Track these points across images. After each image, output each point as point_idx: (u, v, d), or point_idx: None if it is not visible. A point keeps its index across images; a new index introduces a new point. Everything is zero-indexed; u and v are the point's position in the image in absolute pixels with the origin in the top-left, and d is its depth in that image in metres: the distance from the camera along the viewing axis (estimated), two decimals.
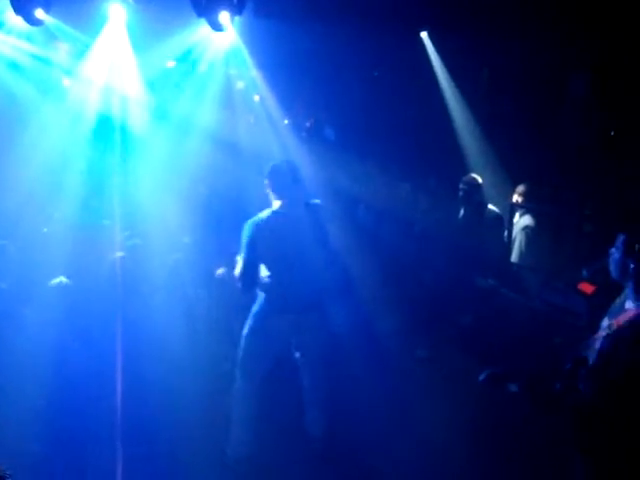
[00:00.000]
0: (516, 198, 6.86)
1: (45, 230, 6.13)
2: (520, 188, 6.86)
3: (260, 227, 4.78)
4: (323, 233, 4.93)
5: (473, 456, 4.84)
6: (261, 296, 4.89)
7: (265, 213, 4.86)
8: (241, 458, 4.85)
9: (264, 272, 4.85)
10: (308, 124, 7.94)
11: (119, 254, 5.55)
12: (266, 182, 4.92)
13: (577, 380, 3.67)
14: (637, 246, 3.45)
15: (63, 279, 5.32)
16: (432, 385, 5.67)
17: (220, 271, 5.86)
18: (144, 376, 4.96)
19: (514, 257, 6.70)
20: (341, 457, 4.95)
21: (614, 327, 3.45)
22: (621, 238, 3.54)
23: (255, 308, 4.91)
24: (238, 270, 4.81)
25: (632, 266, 3.44)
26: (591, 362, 3.57)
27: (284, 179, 4.85)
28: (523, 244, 6.67)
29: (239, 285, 4.86)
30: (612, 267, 3.58)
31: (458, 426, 5.07)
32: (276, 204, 4.87)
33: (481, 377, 3.76)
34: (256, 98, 7.86)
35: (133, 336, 5.12)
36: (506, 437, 5.01)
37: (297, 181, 4.90)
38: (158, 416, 4.88)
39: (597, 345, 3.53)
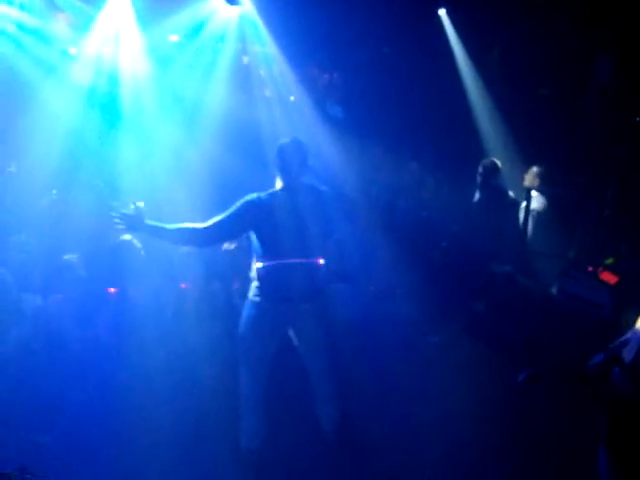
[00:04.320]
0: (528, 180, 6.72)
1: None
2: (532, 170, 6.71)
3: (257, 205, 4.50)
4: (328, 222, 4.66)
5: (487, 443, 4.78)
6: (254, 284, 4.64)
7: (266, 193, 4.60)
8: (253, 450, 4.69)
9: (257, 260, 4.61)
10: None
11: (126, 237, 5.39)
12: (272, 160, 4.68)
13: (610, 377, 3.59)
14: None
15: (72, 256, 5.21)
16: (445, 371, 5.57)
17: (226, 245, 5.64)
18: (149, 366, 4.85)
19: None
20: (354, 448, 4.83)
21: None
22: None
23: (249, 297, 4.67)
24: (207, 223, 4.49)
25: None
26: (628, 360, 3.47)
27: (291, 160, 4.57)
28: (530, 228, 6.56)
29: (199, 235, 4.51)
30: None
31: (471, 413, 4.98)
32: (279, 185, 4.63)
33: (520, 378, 3.73)
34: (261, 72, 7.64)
35: (137, 323, 4.99)
36: (521, 425, 4.95)
37: (305, 164, 4.64)
38: (165, 406, 4.78)
39: (635, 343, 3.44)
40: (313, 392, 4.87)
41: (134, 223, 4.43)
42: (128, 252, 5.29)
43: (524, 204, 6.48)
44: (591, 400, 3.93)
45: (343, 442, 4.87)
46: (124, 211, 4.42)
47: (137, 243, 5.33)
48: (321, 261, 4.63)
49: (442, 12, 7.56)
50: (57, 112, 6.58)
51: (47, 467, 4.23)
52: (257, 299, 4.62)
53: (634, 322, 3.61)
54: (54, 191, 6.03)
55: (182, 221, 4.62)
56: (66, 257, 5.29)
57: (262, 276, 4.59)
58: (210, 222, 4.51)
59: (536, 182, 6.65)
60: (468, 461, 4.65)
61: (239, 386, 4.73)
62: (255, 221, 4.52)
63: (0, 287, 4.96)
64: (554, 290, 5.67)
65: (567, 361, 4.49)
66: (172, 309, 5.19)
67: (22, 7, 7.03)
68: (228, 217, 4.51)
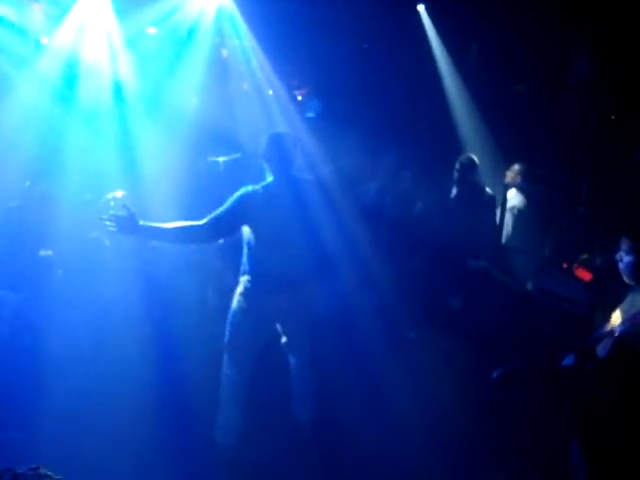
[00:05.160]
0: (509, 177, 6.74)
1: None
2: (514, 167, 6.74)
3: (252, 199, 4.46)
4: (320, 212, 4.62)
5: (464, 438, 4.79)
6: (245, 277, 4.62)
7: (261, 185, 4.55)
8: (229, 445, 4.69)
9: (250, 252, 4.59)
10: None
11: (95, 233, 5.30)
12: (261, 153, 4.63)
13: (584, 373, 3.61)
14: None
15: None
16: (422, 367, 5.56)
17: None
18: (122, 362, 4.82)
19: (503, 238, 6.61)
20: (330, 443, 4.84)
21: (629, 323, 3.37)
22: (630, 244, 3.48)
23: (240, 290, 4.64)
24: (205, 220, 4.41)
25: None
26: (602, 356, 3.49)
27: (285, 152, 4.55)
28: (509, 225, 6.58)
29: (199, 232, 4.40)
30: (628, 272, 3.53)
31: (448, 409, 5.02)
32: (270, 178, 4.59)
33: (494, 375, 3.74)
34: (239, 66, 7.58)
35: (110, 319, 4.95)
36: (498, 419, 4.98)
37: (297, 155, 4.62)
38: (139, 401, 4.72)
39: (609, 340, 3.45)
40: (293, 387, 4.89)
41: (128, 226, 4.24)
42: (98, 249, 5.21)
43: (503, 200, 6.51)
44: (565, 395, 3.96)
45: (320, 437, 4.89)
46: (114, 212, 4.27)
47: (106, 240, 5.24)
48: (314, 251, 4.59)
49: (421, 8, 7.55)
50: (29, 102, 6.46)
51: (18, 464, 4.21)
52: (251, 291, 4.59)
53: (608, 318, 3.64)
54: (27, 183, 5.91)
55: (160, 213, 4.55)
56: (42, 253, 5.21)
57: (256, 268, 4.57)
58: (207, 218, 4.44)
59: (518, 179, 6.68)
60: (444, 455, 4.65)
61: (221, 378, 4.70)
62: (251, 214, 4.47)
63: None
64: (529, 287, 5.69)
65: (542, 357, 4.52)
66: (143, 304, 5.12)
67: None
68: (225, 212, 4.45)
